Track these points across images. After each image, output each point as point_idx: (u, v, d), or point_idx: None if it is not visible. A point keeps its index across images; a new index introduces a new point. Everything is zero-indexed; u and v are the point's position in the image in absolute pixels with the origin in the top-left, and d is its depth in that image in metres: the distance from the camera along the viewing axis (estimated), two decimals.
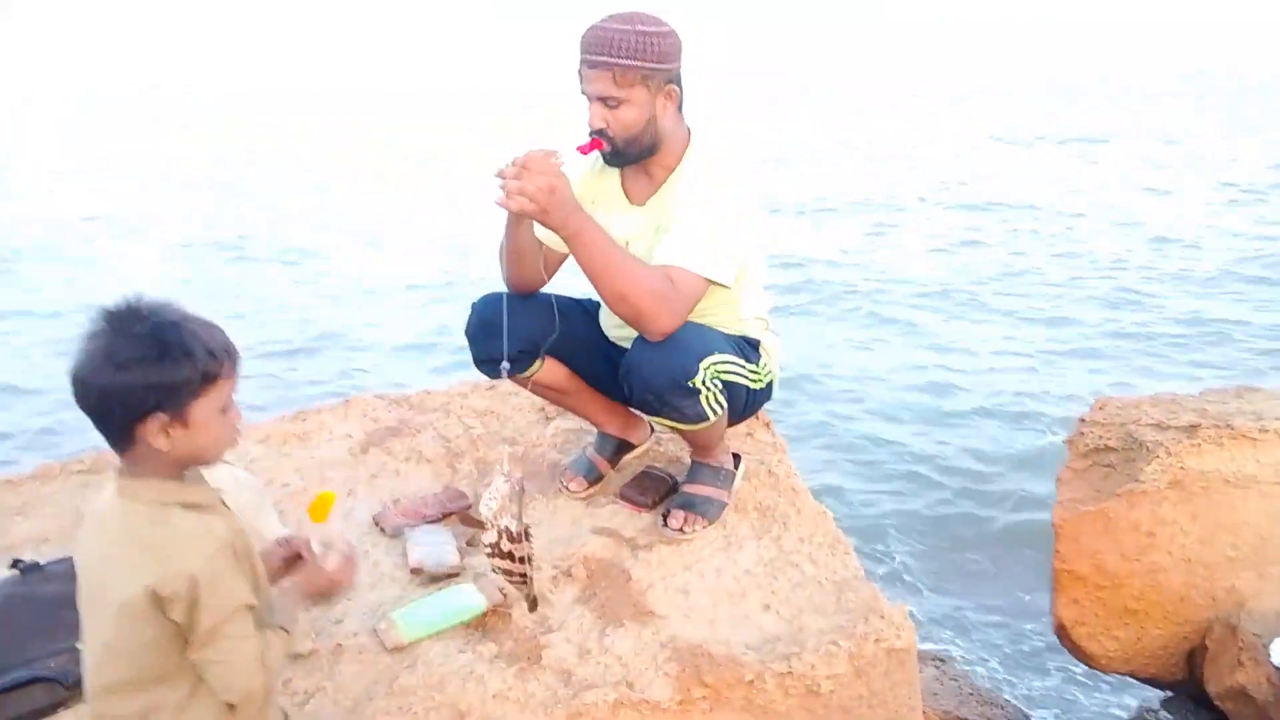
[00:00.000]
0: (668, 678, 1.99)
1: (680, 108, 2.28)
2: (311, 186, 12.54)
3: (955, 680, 3.77)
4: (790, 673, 2.01)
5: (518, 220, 2.17)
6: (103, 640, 1.42)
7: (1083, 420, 3.40)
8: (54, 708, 1.89)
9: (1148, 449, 3.11)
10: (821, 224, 11.13)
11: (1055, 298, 8.45)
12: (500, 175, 1.94)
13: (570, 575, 2.26)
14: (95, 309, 1.39)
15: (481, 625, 2.13)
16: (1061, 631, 3.25)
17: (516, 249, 2.23)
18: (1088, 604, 3.16)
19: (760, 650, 2.06)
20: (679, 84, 2.24)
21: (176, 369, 1.37)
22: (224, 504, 1.53)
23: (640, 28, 2.13)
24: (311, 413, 2.98)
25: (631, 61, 2.13)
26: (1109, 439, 3.28)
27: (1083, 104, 17.27)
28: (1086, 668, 3.37)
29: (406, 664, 2.03)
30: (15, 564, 2.12)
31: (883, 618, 2.12)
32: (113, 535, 1.42)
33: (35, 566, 2.10)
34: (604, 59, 2.13)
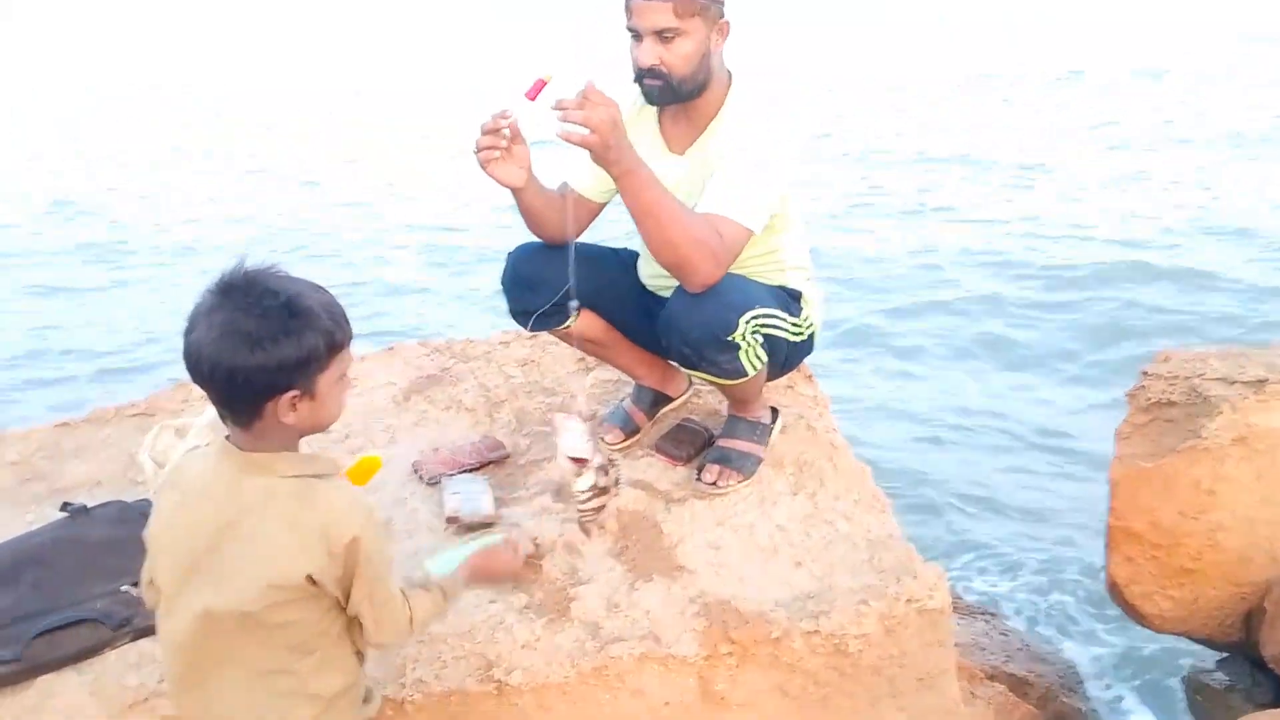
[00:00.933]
0: (694, 633, 1.99)
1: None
2: (317, 184, 12.67)
3: (1005, 635, 3.72)
4: (818, 631, 1.99)
5: (519, 189, 2.13)
6: (239, 609, 1.40)
7: (1145, 373, 3.29)
8: (100, 647, 1.95)
9: (1211, 404, 3.00)
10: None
11: (1112, 259, 8.19)
12: (561, 106, 1.86)
13: (602, 528, 2.25)
14: (212, 280, 1.37)
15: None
16: (1115, 590, 3.18)
17: (528, 211, 2.20)
18: (1143, 562, 3.08)
19: (789, 608, 2.05)
20: (728, 20, 2.16)
21: (311, 344, 1.36)
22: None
23: None
24: (357, 360, 3.01)
25: None
26: (1171, 393, 3.16)
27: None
28: (1140, 627, 3.30)
29: None
30: (64, 507, 2.19)
31: (915, 578, 2.08)
32: (256, 513, 1.40)
33: (83, 510, 2.17)
34: None
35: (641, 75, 2.16)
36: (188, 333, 1.36)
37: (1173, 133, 13.10)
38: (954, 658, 2.16)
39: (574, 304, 2.08)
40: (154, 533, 1.49)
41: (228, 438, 1.45)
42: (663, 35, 2.08)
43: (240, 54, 27.94)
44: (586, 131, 1.85)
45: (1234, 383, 3.02)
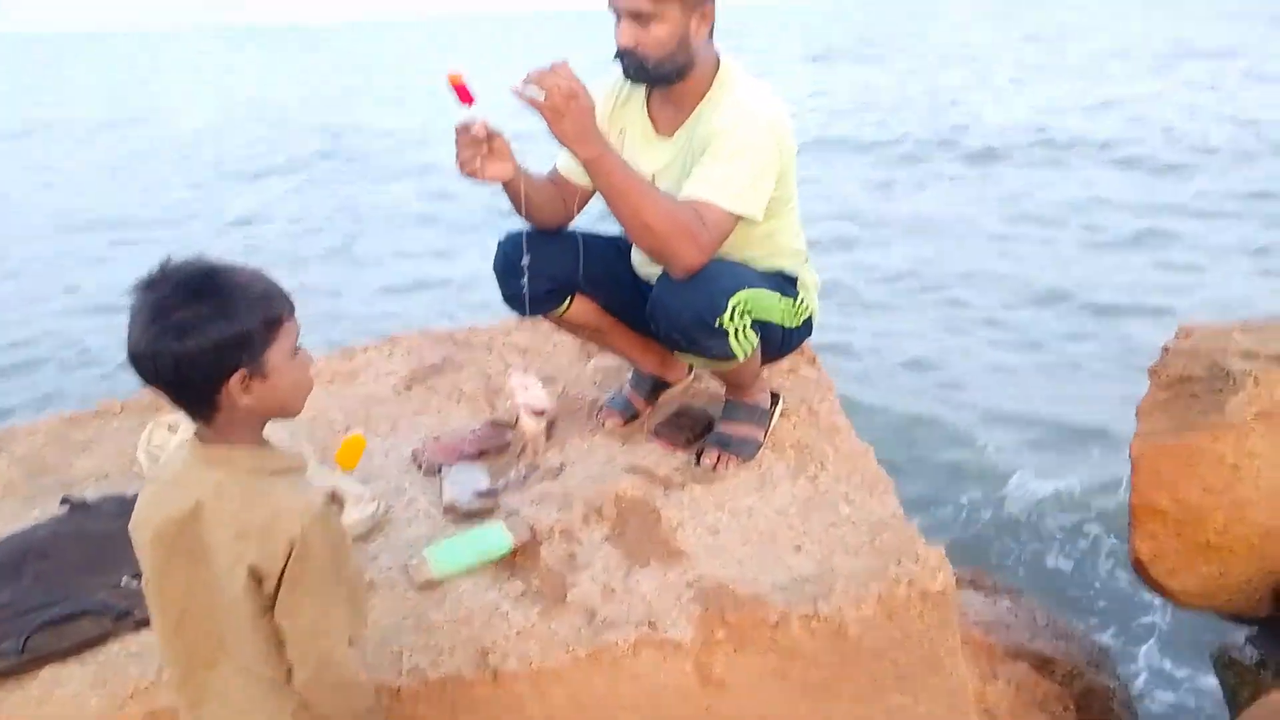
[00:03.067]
0: (691, 618, 1.96)
1: (712, 32, 2.17)
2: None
3: (1029, 613, 3.66)
4: (816, 615, 1.96)
5: (510, 180, 2.11)
6: (207, 603, 1.40)
7: (1166, 348, 3.21)
8: (101, 639, 1.97)
9: (1235, 379, 2.93)
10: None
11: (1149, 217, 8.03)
12: (529, 72, 1.89)
13: (601, 514, 2.24)
14: (133, 282, 1.34)
15: (511, 563, 2.14)
16: (1139, 566, 3.12)
17: (515, 198, 2.19)
18: (1166, 539, 3.02)
19: (788, 591, 2.02)
20: (712, 5, 2.12)
21: (244, 319, 1.33)
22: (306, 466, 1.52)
23: None
24: (359, 350, 3.03)
25: None
26: (1194, 368, 3.09)
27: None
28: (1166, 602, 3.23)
29: (435, 600, 2.06)
30: (64, 501, 2.22)
31: (917, 560, 2.04)
32: (211, 507, 1.38)
33: (83, 504, 2.20)
34: None
35: (619, 54, 2.14)
36: (127, 340, 1.34)
37: None
38: (959, 639, 2.11)
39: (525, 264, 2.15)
40: (133, 527, 1.49)
41: (196, 433, 1.43)
42: (638, 18, 2.06)
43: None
44: (541, 96, 1.85)
45: (1258, 356, 2.94)
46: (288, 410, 1.44)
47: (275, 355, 1.37)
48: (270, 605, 1.39)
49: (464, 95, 1.92)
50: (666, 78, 2.16)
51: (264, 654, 1.42)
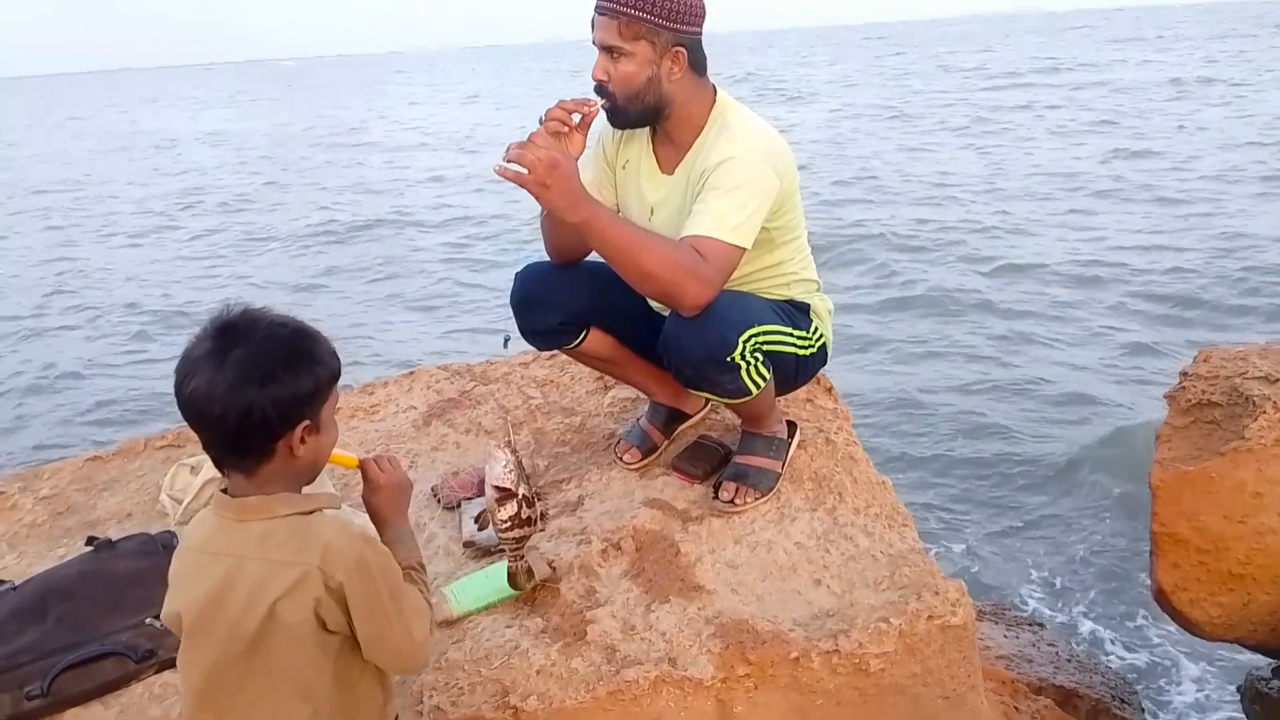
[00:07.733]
0: (711, 655, 1.96)
1: (701, 72, 2.17)
2: None
3: (1052, 646, 3.63)
4: (837, 651, 1.95)
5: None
6: (245, 651, 1.37)
7: (1184, 374, 3.19)
8: (125, 680, 1.98)
9: (1254, 404, 2.91)
10: None
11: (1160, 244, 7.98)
12: (509, 147, 1.90)
13: (619, 548, 2.24)
14: (203, 327, 1.35)
15: (530, 599, 2.15)
16: (1162, 597, 3.08)
17: (553, 224, 2.21)
18: (1189, 568, 2.99)
19: (808, 627, 2.01)
20: (695, 50, 2.12)
21: (317, 372, 1.36)
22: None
23: None
24: (378, 385, 3.04)
25: (638, 14, 2.03)
26: (1212, 394, 3.07)
27: None
28: (1191, 635, 3.19)
29: (454, 638, 2.07)
30: (90, 541, 2.23)
31: (937, 594, 2.03)
32: (257, 555, 1.36)
33: (108, 543, 2.21)
34: (612, 6, 2.05)
35: (596, 91, 2.16)
36: (185, 382, 1.32)
37: None
38: (980, 674, 2.10)
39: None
40: (181, 606, 1.44)
41: (224, 490, 1.42)
42: (611, 52, 2.09)
43: None
44: (524, 170, 1.86)
45: (1276, 381, 2.92)
46: (319, 464, 1.45)
47: (328, 409, 1.41)
48: (326, 647, 1.39)
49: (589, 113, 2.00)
50: (638, 119, 2.19)
51: (292, 701, 1.41)
